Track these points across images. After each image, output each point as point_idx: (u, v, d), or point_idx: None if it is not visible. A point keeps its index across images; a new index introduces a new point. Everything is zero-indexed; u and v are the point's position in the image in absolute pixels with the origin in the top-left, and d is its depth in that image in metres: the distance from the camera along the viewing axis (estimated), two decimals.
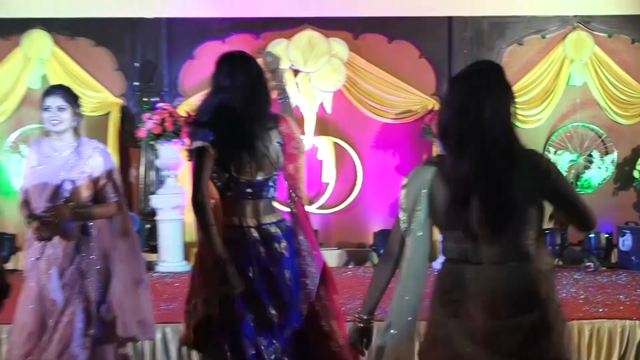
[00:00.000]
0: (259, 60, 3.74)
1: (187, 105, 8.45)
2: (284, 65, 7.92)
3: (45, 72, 8.63)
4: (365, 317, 2.98)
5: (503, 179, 2.60)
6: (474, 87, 2.63)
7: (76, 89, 7.61)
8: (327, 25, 8.70)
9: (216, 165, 3.58)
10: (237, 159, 3.58)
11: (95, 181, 4.32)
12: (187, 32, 8.74)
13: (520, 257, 2.67)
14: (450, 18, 8.78)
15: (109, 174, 4.36)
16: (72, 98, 4.36)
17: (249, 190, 3.60)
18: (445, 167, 2.70)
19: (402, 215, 2.81)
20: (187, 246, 8.40)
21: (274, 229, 3.65)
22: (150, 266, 8.18)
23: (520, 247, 2.66)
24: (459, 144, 2.65)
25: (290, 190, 3.72)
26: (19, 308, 4.36)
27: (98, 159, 4.34)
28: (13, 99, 8.60)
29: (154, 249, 8.40)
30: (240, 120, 3.56)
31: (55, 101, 4.28)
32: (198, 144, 3.55)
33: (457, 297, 2.74)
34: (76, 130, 4.37)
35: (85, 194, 4.30)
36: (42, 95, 4.32)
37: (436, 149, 8.38)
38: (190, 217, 7.20)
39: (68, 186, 4.27)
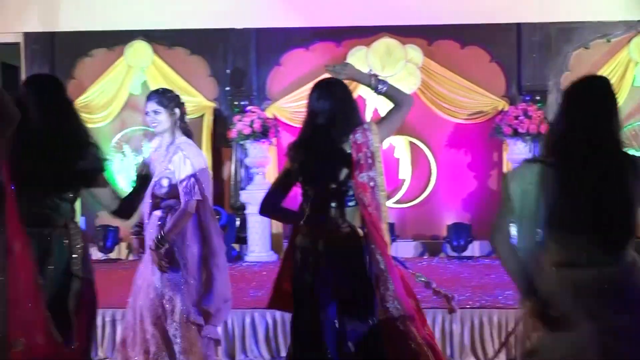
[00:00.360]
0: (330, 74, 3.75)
1: (274, 108, 8.87)
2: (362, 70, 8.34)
3: (145, 79, 9.04)
4: (531, 299, 2.84)
5: (613, 183, 2.71)
6: (591, 101, 2.81)
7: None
8: (403, 32, 8.86)
9: (301, 176, 3.76)
10: (311, 171, 3.73)
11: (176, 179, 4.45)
12: (274, 41, 9.02)
13: (626, 259, 2.71)
14: (519, 24, 8.87)
15: (186, 173, 4.41)
16: (167, 101, 4.50)
17: (325, 198, 3.71)
18: (556, 168, 2.77)
19: (507, 207, 2.85)
20: (273, 238, 8.70)
21: (351, 231, 3.70)
22: (240, 256, 8.66)
23: (626, 249, 2.71)
24: (572, 150, 2.77)
25: (360, 199, 3.66)
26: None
27: (177, 159, 4.42)
28: (117, 104, 9.02)
29: (243, 240, 8.71)
30: (322, 141, 3.71)
31: (151, 106, 4.48)
32: (287, 164, 3.82)
33: (565, 301, 2.74)
34: (173, 130, 4.54)
35: (169, 193, 4.45)
36: (145, 101, 4.56)
37: (506, 148, 8.64)
38: None
39: (164, 183, 4.44)
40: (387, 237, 3.67)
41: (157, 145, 4.76)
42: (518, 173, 2.92)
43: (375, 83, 3.79)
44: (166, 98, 4.55)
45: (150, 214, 4.53)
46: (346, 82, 3.83)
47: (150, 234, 4.48)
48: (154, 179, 4.39)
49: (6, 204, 3.24)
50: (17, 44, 9.22)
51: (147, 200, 4.49)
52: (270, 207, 3.82)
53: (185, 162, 4.42)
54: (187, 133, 4.61)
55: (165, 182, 4.47)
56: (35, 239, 3.44)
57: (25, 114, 3.42)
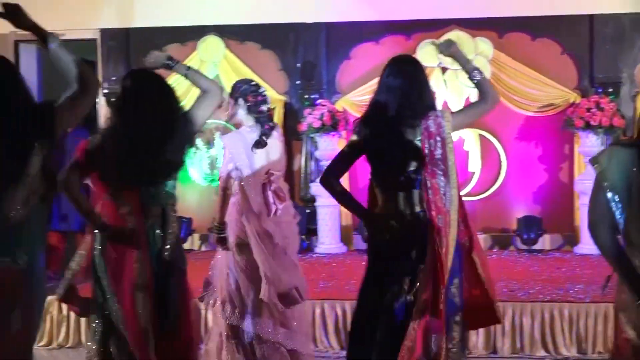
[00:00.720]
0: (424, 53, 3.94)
1: (344, 102, 8.91)
2: (431, 63, 8.35)
3: (217, 73, 9.09)
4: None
5: None
6: None
7: None
8: (473, 25, 8.79)
9: (367, 158, 3.80)
10: (382, 154, 3.73)
11: None
12: (344, 35, 9.07)
13: None
14: (591, 15, 8.73)
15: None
16: (237, 94, 4.72)
17: (398, 181, 3.72)
18: None
19: (609, 190, 2.74)
20: (343, 229, 8.79)
21: (422, 217, 3.70)
22: (310, 248, 8.74)
23: None
24: None
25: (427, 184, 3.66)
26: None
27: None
28: (190, 98, 9.04)
29: (313, 232, 8.80)
30: (390, 118, 3.70)
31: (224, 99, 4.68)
32: (353, 137, 3.89)
33: None
34: (240, 120, 4.78)
35: None
36: None
37: (577, 141, 8.53)
38: None
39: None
40: (453, 228, 3.68)
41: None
42: (616, 158, 2.78)
43: (472, 69, 3.83)
44: (232, 89, 4.76)
45: None
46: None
47: None
48: None
49: (93, 195, 3.40)
50: (94, 40, 9.44)
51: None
52: (331, 177, 3.82)
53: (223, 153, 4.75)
54: (261, 121, 4.74)
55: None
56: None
57: (126, 106, 3.58)
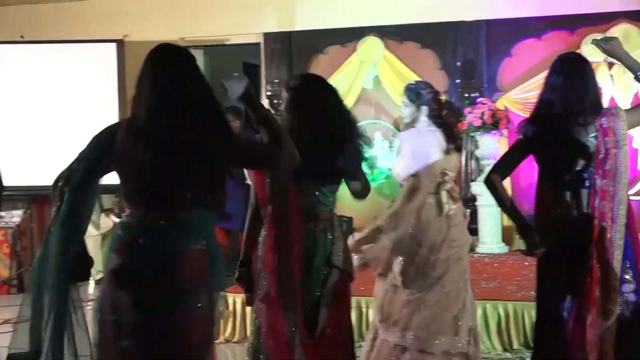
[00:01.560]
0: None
1: (505, 100, 8.77)
2: (597, 58, 8.05)
3: (377, 74, 9.21)
4: None
5: None
6: None
7: (403, 87, 8.16)
8: None
9: (535, 157, 3.77)
10: (550, 153, 3.70)
11: None
12: (504, 32, 8.89)
13: None
14: None
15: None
16: (414, 96, 4.77)
17: (566, 180, 3.67)
18: None
19: None
20: (504, 229, 8.62)
21: (590, 217, 3.62)
22: (471, 247, 8.65)
23: None
24: None
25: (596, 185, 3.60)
26: None
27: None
28: (350, 99, 9.10)
29: (474, 232, 8.56)
30: (557, 116, 3.65)
31: (403, 98, 4.83)
32: (519, 137, 3.82)
33: None
34: (414, 123, 4.81)
35: None
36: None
37: None
38: None
39: None
40: (621, 228, 3.60)
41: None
42: None
43: (638, 67, 3.74)
44: (414, 94, 4.78)
45: None
46: None
47: None
48: None
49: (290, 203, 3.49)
50: (257, 44, 9.71)
51: None
52: (495, 178, 3.80)
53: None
54: (441, 125, 4.79)
55: None
56: (304, 233, 3.58)
57: (301, 110, 3.64)
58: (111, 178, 3.06)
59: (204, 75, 3.08)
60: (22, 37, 9.59)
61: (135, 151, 2.88)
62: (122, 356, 2.92)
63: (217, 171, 2.99)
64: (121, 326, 2.90)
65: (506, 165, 3.86)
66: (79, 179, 2.92)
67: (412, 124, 4.85)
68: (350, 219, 8.81)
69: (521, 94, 8.73)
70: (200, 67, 3.08)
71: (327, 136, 3.62)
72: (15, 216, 9.40)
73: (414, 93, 4.80)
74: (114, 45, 9.40)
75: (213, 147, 2.92)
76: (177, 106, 2.91)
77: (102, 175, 3.02)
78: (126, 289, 2.91)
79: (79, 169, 2.94)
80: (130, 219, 2.97)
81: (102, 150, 2.96)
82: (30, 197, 9.44)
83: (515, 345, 5.95)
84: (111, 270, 2.96)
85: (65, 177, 2.94)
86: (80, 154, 3.00)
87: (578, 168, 3.63)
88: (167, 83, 2.94)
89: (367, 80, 9.34)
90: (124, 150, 2.90)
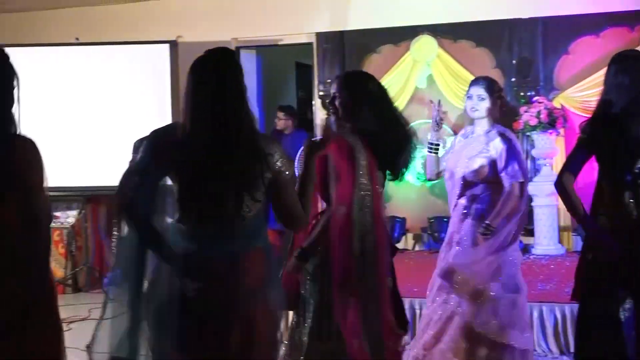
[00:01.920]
0: None
1: (562, 98, 8.63)
2: None
3: (430, 73, 9.14)
4: None
5: None
6: None
7: (457, 86, 8.08)
8: None
9: (596, 157, 3.73)
10: (609, 152, 3.65)
11: (494, 162, 4.64)
12: (561, 29, 8.74)
13: None
14: None
15: (508, 155, 4.61)
16: (494, 89, 4.72)
17: (625, 180, 3.62)
18: None
19: None
20: (561, 230, 8.51)
21: None
22: (527, 248, 8.45)
23: None
24: None
25: None
26: None
27: (497, 141, 4.64)
28: (403, 98, 9.07)
29: (530, 233, 8.55)
30: (619, 116, 3.62)
31: (477, 90, 4.70)
32: (582, 137, 3.77)
33: None
34: (491, 118, 4.75)
35: (484, 174, 4.65)
36: (469, 85, 4.79)
37: None
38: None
39: (475, 165, 4.67)
40: None
41: (467, 132, 4.92)
42: None
43: None
44: (494, 86, 4.74)
45: (456, 202, 4.74)
46: None
47: (454, 223, 4.70)
48: (460, 163, 4.69)
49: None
50: (310, 44, 9.70)
51: (455, 187, 4.74)
52: (565, 180, 3.75)
53: (511, 146, 4.61)
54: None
55: (477, 164, 4.65)
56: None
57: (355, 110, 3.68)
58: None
59: (244, 88, 3.03)
60: (77, 39, 9.71)
61: (192, 158, 2.90)
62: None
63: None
64: (186, 329, 2.91)
65: (575, 164, 3.80)
66: (142, 212, 2.94)
67: (489, 118, 4.77)
68: (403, 220, 8.92)
69: (579, 92, 8.57)
70: (243, 75, 3.04)
71: (387, 127, 3.70)
72: (70, 216, 9.53)
73: (493, 84, 4.76)
74: (167, 46, 9.50)
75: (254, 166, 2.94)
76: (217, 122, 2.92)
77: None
78: (192, 294, 2.92)
79: (138, 196, 2.94)
80: (185, 223, 2.97)
81: (160, 169, 2.97)
82: (85, 197, 9.55)
83: (572, 348, 5.82)
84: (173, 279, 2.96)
85: (128, 205, 2.96)
86: (138, 166, 3.00)
87: (636, 167, 3.57)
88: (207, 99, 2.94)
89: (420, 79, 9.27)
90: (181, 158, 2.92)
